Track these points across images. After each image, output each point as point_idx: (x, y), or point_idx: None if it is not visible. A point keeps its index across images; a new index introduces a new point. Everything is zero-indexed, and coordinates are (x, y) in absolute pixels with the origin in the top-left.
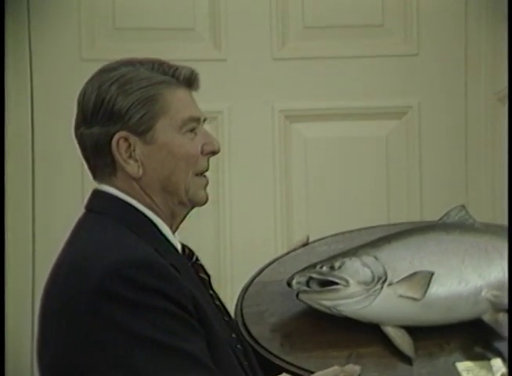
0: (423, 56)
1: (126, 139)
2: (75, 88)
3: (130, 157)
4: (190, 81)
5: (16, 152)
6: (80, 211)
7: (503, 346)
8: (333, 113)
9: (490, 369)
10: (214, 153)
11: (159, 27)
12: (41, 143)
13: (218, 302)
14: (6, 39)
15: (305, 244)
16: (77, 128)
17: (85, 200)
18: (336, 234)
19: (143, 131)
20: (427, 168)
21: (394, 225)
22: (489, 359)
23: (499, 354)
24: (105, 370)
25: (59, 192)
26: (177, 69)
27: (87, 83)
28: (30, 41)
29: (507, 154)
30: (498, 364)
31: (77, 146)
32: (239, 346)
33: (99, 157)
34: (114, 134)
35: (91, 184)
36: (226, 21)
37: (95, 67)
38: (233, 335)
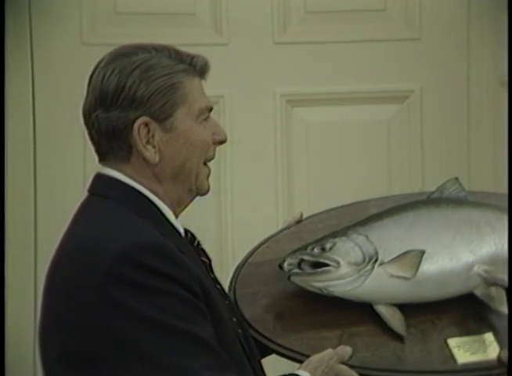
0: (424, 40)
1: (146, 125)
2: (76, 72)
3: (148, 142)
4: (204, 71)
5: (17, 136)
6: (81, 196)
7: (495, 320)
8: (335, 97)
9: (483, 343)
10: (221, 142)
11: (160, 11)
12: (43, 126)
13: (218, 286)
14: (7, 24)
15: (299, 221)
16: (91, 110)
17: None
18: (329, 210)
19: (164, 118)
20: (428, 152)
21: (387, 197)
22: (482, 334)
23: (491, 328)
24: (116, 354)
25: (60, 176)
26: (193, 58)
27: (102, 67)
28: (31, 26)
29: (507, 149)
30: (490, 338)
31: (83, 127)
32: (239, 330)
33: (114, 140)
34: (134, 119)
35: (92, 169)
36: (227, 6)
37: (95, 52)
38: (234, 319)
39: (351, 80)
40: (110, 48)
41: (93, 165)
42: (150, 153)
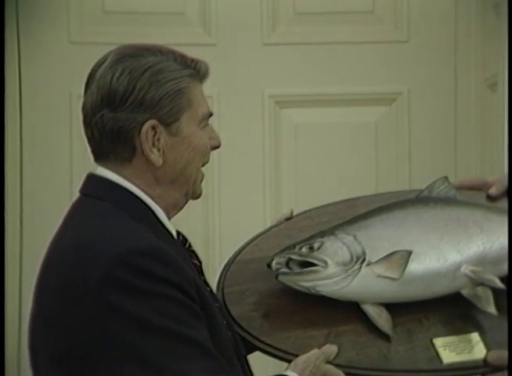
0: (413, 42)
1: (153, 128)
2: (64, 70)
3: (153, 145)
4: (205, 76)
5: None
6: (68, 195)
7: (482, 320)
8: (323, 99)
9: (469, 343)
10: (216, 147)
11: (148, 11)
12: (30, 124)
13: (208, 288)
14: None
15: (289, 219)
16: (94, 110)
17: (76, 187)
18: (319, 207)
19: (170, 122)
20: (416, 154)
21: (376, 195)
22: (468, 333)
23: (477, 328)
24: (112, 357)
25: (47, 174)
26: (197, 63)
27: (110, 67)
28: (18, 24)
29: (507, 149)
30: (476, 338)
31: (70, 125)
32: (229, 333)
33: (118, 142)
34: (142, 122)
35: (80, 168)
36: (216, 6)
37: (83, 50)
38: (224, 322)
39: (339, 81)
40: (98, 47)
41: (80, 165)
42: (155, 156)
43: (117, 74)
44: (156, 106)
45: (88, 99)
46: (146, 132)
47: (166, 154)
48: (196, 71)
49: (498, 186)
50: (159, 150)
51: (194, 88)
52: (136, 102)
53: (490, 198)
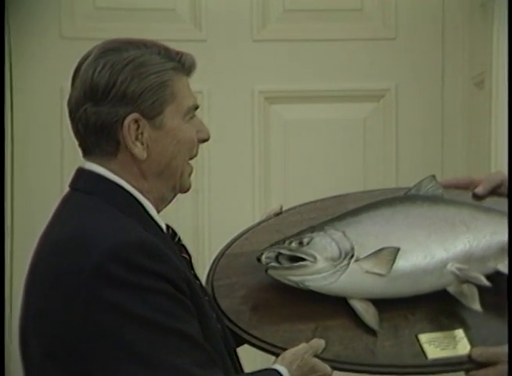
0: (400, 39)
1: (136, 122)
2: (55, 65)
3: (137, 139)
4: (191, 69)
5: None
6: (58, 190)
7: (467, 316)
8: (312, 95)
9: (453, 339)
10: (205, 140)
11: (139, 7)
12: (21, 119)
13: (198, 282)
14: None
15: (278, 214)
16: (78, 104)
17: (66, 181)
18: (308, 203)
19: (153, 115)
20: (403, 150)
21: (365, 192)
22: (453, 330)
23: (462, 324)
24: (105, 351)
25: (37, 170)
26: (182, 56)
27: (93, 61)
28: (8, 19)
29: (507, 149)
30: (460, 334)
31: (61, 120)
32: (218, 326)
33: (102, 136)
34: (124, 115)
35: (70, 164)
36: (207, 2)
37: (74, 45)
38: (214, 315)
39: (328, 78)
40: (89, 43)
41: (71, 159)
42: (139, 150)
43: (98, 68)
44: (138, 99)
45: (73, 93)
46: (129, 126)
47: (150, 148)
48: (181, 64)
49: (484, 185)
50: (142, 144)
51: (178, 81)
52: (118, 95)
53: (476, 197)
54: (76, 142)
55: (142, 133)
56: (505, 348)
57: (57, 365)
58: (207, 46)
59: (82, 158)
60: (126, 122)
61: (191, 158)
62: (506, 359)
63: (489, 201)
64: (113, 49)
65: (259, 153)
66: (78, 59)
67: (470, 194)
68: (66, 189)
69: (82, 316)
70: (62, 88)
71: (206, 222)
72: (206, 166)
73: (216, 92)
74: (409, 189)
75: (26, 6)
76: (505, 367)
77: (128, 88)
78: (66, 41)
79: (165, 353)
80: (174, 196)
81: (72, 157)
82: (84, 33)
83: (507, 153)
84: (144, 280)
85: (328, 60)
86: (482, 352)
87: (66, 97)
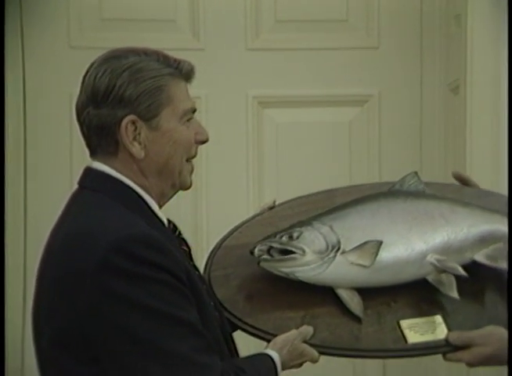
0: (383, 49)
1: (133, 123)
2: (64, 73)
3: (135, 139)
4: (189, 75)
5: (8, 132)
6: (68, 189)
7: (445, 303)
8: (302, 100)
9: (432, 324)
10: (203, 142)
11: (142, 18)
12: (33, 123)
13: (197, 273)
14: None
15: (272, 208)
16: (82, 107)
17: (75, 180)
18: (299, 197)
19: (150, 117)
20: (385, 150)
21: (352, 187)
22: (432, 316)
23: (441, 310)
24: (110, 338)
25: (48, 170)
26: (180, 62)
27: (95, 68)
28: (22, 30)
29: (507, 152)
30: (439, 320)
31: (70, 124)
32: (216, 313)
33: (103, 136)
34: (122, 117)
35: (79, 163)
36: (205, 14)
37: (82, 54)
38: (211, 303)
39: (317, 84)
40: (96, 52)
41: (79, 159)
42: (136, 149)
43: (99, 74)
44: (135, 102)
45: (79, 98)
46: (126, 127)
47: (148, 148)
48: (179, 70)
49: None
50: (140, 144)
51: (175, 86)
52: (116, 98)
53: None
54: (84, 144)
55: (139, 134)
56: (479, 333)
57: (67, 352)
58: (204, 55)
59: (89, 158)
60: (123, 123)
61: (190, 158)
62: (480, 342)
63: (470, 195)
64: (114, 57)
65: (253, 153)
66: (86, 67)
67: (450, 188)
68: (75, 186)
69: (90, 306)
70: (71, 94)
71: (204, 216)
72: (204, 164)
73: (213, 97)
74: (393, 184)
75: (38, 19)
76: (479, 350)
77: (125, 91)
78: (74, 50)
79: (167, 340)
80: (176, 192)
81: (80, 157)
82: (92, 43)
83: (507, 153)
84: (147, 271)
85: (316, 68)
86: (458, 336)
87: (75, 102)
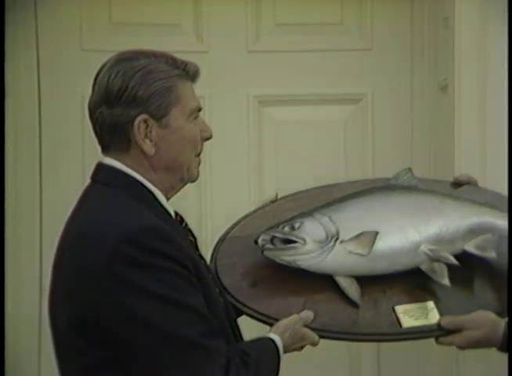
0: (376, 50)
1: (145, 122)
2: (77, 74)
3: (146, 137)
4: (195, 76)
5: (24, 130)
6: (80, 183)
7: (437, 290)
8: (300, 98)
9: (425, 309)
10: (208, 138)
11: (150, 22)
12: (48, 121)
13: (203, 261)
14: (16, 33)
15: (274, 201)
16: (95, 107)
17: (87, 174)
18: (300, 191)
19: (160, 116)
20: (378, 146)
21: (351, 182)
22: (425, 301)
23: (433, 297)
24: (122, 323)
25: (62, 166)
26: (186, 64)
27: (108, 69)
28: (37, 34)
29: (507, 151)
30: (431, 306)
31: (82, 122)
32: (221, 299)
33: (116, 134)
34: (135, 116)
35: (90, 160)
36: (208, 18)
37: (93, 56)
38: (217, 289)
39: (313, 84)
40: (106, 54)
41: (91, 155)
42: (148, 146)
43: (113, 76)
44: (146, 102)
45: (92, 98)
46: (138, 125)
47: (158, 145)
48: (186, 72)
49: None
50: (151, 141)
51: (183, 86)
52: (129, 99)
53: (456, 185)
54: (95, 141)
55: (150, 132)
56: (469, 317)
57: (81, 335)
58: (208, 57)
59: (101, 154)
60: (136, 122)
61: (197, 154)
62: (470, 326)
63: (460, 191)
64: (125, 59)
65: (254, 149)
66: (97, 69)
67: (441, 184)
68: (87, 181)
69: (103, 293)
70: (83, 94)
71: (208, 209)
72: (207, 161)
73: (216, 97)
74: (388, 179)
75: (52, 24)
76: (469, 333)
77: (137, 92)
78: (86, 52)
79: (175, 324)
80: (184, 185)
81: (92, 153)
82: (102, 45)
83: (507, 154)
84: (155, 260)
85: (313, 68)
86: (450, 321)
87: (86, 102)
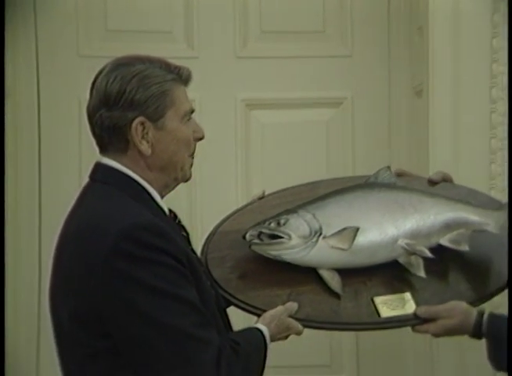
0: (355, 57)
1: (142, 124)
2: (73, 78)
3: (143, 138)
4: (188, 80)
5: (24, 131)
6: (77, 182)
7: (414, 282)
8: (285, 102)
9: (402, 300)
10: (200, 139)
11: (143, 29)
12: (46, 124)
13: (195, 256)
14: (17, 40)
15: (261, 198)
16: (94, 110)
17: (84, 173)
18: (286, 188)
19: (156, 118)
20: (358, 146)
21: (334, 179)
22: (402, 293)
23: (410, 288)
24: (118, 313)
25: (60, 166)
26: (180, 69)
27: (106, 74)
28: (36, 40)
29: (507, 150)
30: (408, 297)
31: (79, 122)
32: (212, 291)
33: (114, 135)
34: (133, 118)
35: (87, 159)
36: (198, 26)
37: (90, 62)
38: (208, 283)
39: (298, 88)
40: (102, 60)
41: (88, 156)
42: (144, 147)
43: (111, 80)
44: (143, 105)
45: (91, 101)
46: (136, 127)
47: (154, 145)
48: (179, 76)
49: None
50: (148, 142)
51: (177, 90)
52: (127, 102)
53: (432, 182)
54: (92, 142)
55: (147, 133)
56: (444, 307)
57: (81, 327)
58: (198, 62)
59: (99, 154)
60: (134, 124)
61: (191, 154)
62: (444, 315)
63: (436, 187)
64: (122, 64)
65: (241, 149)
66: (94, 74)
67: (418, 182)
68: (84, 180)
69: (102, 286)
70: (79, 98)
71: (198, 207)
72: (197, 162)
73: (206, 100)
74: (369, 177)
75: (50, 31)
76: (443, 322)
77: (135, 96)
78: (82, 58)
79: (170, 316)
80: (177, 184)
81: (88, 154)
82: (98, 51)
83: (507, 154)
84: (152, 255)
85: (297, 73)
86: (426, 310)
87: (83, 105)
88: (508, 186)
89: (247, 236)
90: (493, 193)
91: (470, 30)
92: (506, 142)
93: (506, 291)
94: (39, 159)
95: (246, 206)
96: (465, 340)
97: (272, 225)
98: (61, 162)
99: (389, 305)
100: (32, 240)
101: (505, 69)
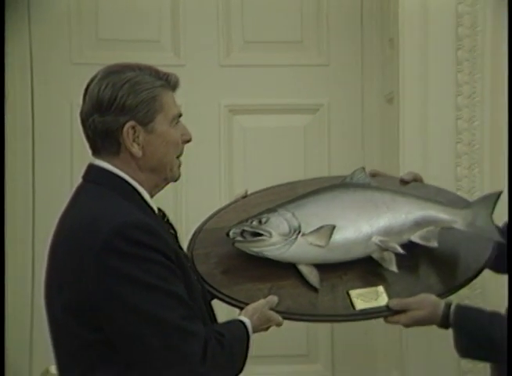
0: (332, 66)
1: (133, 128)
2: (66, 85)
3: (134, 141)
4: (176, 86)
5: (17, 135)
6: (69, 184)
7: (387, 276)
8: (266, 108)
9: (375, 293)
10: (188, 141)
11: (133, 38)
12: (40, 128)
13: (182, 252)
14: (12, 48)
15: (244, 197)
16: (88, 115)
17: (75, 175)
18: (267, 188)
19: (146, 122)
20: (333, 150)
21: (312, 179)
22: (375, 286)
23: (383, 282)
24: (110, 307)
25: (53, 169)
26: (168, 75)
27: (98, 81)
28: (31, 48)
29: (507, 150)
30: (381, 290)
31: (72, 127)
32: (199, 286)
33: (107, 139)
34: (124, 123)
35: (78, 162)
36: (185, 36)
37: (82, 69)
38: (195, 277)
39: (277, 95)
40: (94, 67)
41: (79, 159)
42: (136, 149)
43: (103, 87)
44: (134, 110)
45: (84, 107)
46: (127, 131)
47: (145, 148)
48: (168, 82)
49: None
50: (139, 145)
51: (165, 95)
52: (118, 107)
53: (404, 182)
54: (83, 144)
55: (138, 136)
56: (414, 299)
57: (75, 320)
58: (184, 70)
59: (92, 156)
60: (125, 128)
61: (179, 156)
62: (414, 307)
63: (408, 187)
64: (114, 72)
65: (224, 152)
66: (86, 80)
67: (391, 182)
68: (76, 181)
69: (94, 281)
70: (72, 103)
71: (184, 207)
72: (183, 162)
73: (191, 105)
74: (345, 177)
75: (44, 39)
76: (413, 313)
77: (126, 101)
78: (75, 66)
79: (159, 309)
80: (167, 184)
81: (80, 157)
82: (90, 59)
83: (507, 154)
84: (142, 251)
85: (277, 81)
86: (397, 303)
87: (75, 110)
88: (508, 185)
89: (231, 233)
90: (459, 194)
91: (437, 42)
92: (471, 148)
93: (479, 287)
94: (33, 160)
95: (229, 205)
96: (433, 330)
97: (254, 223)
98: (54, 164)
99: (363, 298)
100: (26, 240)
101: (469, 78)
